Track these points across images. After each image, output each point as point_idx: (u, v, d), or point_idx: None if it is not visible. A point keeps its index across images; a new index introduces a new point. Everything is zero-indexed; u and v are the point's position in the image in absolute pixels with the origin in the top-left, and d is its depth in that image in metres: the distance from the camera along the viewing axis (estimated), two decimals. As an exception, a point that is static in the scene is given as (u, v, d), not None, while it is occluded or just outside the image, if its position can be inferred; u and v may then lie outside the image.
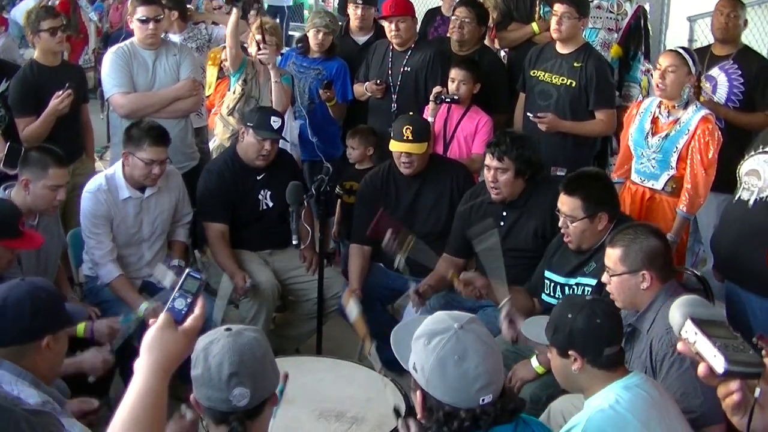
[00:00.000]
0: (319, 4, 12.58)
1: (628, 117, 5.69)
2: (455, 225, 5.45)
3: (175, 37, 7.15)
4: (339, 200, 6.42)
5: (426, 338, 2.75)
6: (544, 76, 6.22)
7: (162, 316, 2.25)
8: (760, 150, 4.72)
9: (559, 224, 4.60)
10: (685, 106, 5.33)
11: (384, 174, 5.75)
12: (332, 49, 6.88)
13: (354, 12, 7.11)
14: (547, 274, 4.78)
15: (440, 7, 7.59)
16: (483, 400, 2.70)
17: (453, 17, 6.66)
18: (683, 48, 5.68)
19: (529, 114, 6.11)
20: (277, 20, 7.65)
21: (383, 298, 5.84)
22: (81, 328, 4.45)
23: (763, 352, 1.75)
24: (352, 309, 4.32)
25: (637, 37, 7.00)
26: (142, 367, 2.18)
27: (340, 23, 7.24)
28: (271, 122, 5.58)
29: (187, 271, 2.38)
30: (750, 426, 1.73)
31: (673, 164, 5.34)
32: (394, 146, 5.54)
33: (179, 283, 2.32)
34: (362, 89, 6.75)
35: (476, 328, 2.78)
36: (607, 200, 4.58)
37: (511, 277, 5.11)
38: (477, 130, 6.17)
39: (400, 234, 5.05)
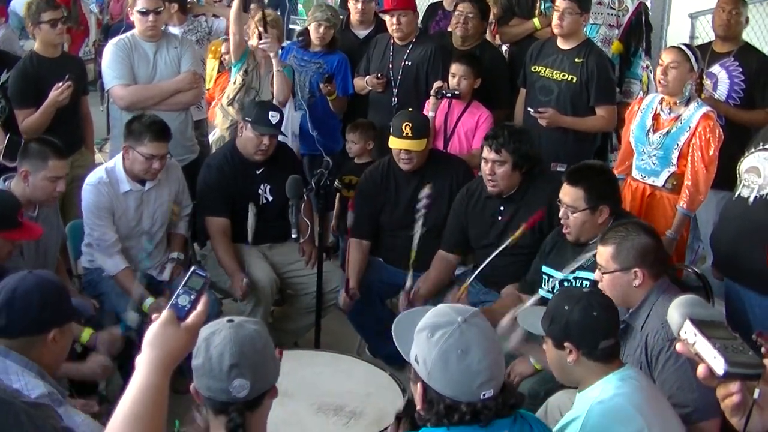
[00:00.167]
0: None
1: (629, 113, 5.68)
2: (451, 220, 5.46)
3: (174, 30, 7.13)
4: (338, 194, 6.41)
5: (429, 331, 2.75)
6: (545, 71, 6.22)
7: (165, 312, 2.25)
8: (760, 147, 4.72)
9: (560, 214, 4.60)
10: (687, 102, 5.33)
11: (384, 169, 5.74)
12: (333, 43, 6.86)
13: (355, 6, 7.09)
14: (545, 269, 4.78)
15: (442, 1, 7.57)
16: (484, 394, 2.69)
17: (456, 12, 6.65)
18: (685, 45, 5.69)
19: (529, 109, 6.11)
20: (278, 13, 7.60)
21: (382, 293, 5.84)
22: (86, 335, 4.45)
23: (763, 349, 1.75)
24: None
25: (638, 33, 6.99)
26: (143, 362, 2.18)
27: (341, 17, 7.21)
28: (269, 117, 5.57)
29: (192, 268, 2.39)
30: (746, 427, 1.73)
31: (674, 161, 5.34)
32: (394, 143, 5.53)
33: (184, 280, 2.33)
34: (363, 83, 6.73)
35: (479, 322, 2.78)
36: (609, 194, 4.58)
37: (508, 272, 5.15)
38: (478, 126, 6.16)
39: None
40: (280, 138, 5.86)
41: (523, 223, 5.12)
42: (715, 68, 6.44)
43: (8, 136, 5.46)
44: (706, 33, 7.55)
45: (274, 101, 6.29)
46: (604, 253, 3.91)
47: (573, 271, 4.60)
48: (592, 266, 4.41)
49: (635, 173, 5.57)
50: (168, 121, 5.49)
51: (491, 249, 5.25)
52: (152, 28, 6.09)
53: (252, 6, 7.03)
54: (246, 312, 5.49)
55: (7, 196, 4.58)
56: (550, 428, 3.07)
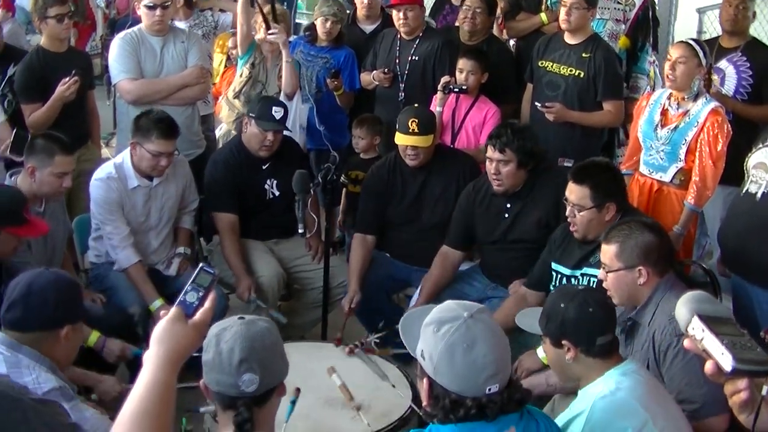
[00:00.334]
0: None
1: (637, 109, 5.68)
2: (457, 216, 5.45)
3: (181, 24, 7.12)
4: (344, 189, 6.41)
5: (435, 326, 2.76)
6: (552, 66, 6.21)
7: (173, 309, 2.27)
8: (769, 142, 4.72)
9: (566, 213, 4.59)
10: (695, 98, 5.32)
11: (390, 165, 5.73)
12: (340, 38, 6.85)
13: (361, 0, 7.08)
14: (555, 266, 4.77)
15: (449, -5, 7.57)
16: (490, 389, 2.70)
17: (464, 7, 6.64)
18: (694, 40, 5.68)
19: (537, 104, 6.10)
20: (285, 7, 7.60)
21: (388, 288, 5.84)
22: (94, 338, 4.45)
23: None
24: (336, 380, 4.38)
25: (645, 28, 6.97)
26: (151, 358, 2.19)
27: (347, 12, 7.21)
28: (273, 112, 5.55)
29: (200, 265, 2.41)
30: (755, 424, 1.73)
31: (682, 156, 5.32)
32: (400, 139, 5.52)
33: (192, 277, 2.34)
34: (369, 78, 6.73)
35: (485, 317, 2.80)
36: (615, 191, 4.57)
37: (513, 266, 5.15)
38: (485, 121, 6.16)
39: None
40: (286, 132, 5.85)
41: (530, 218, 5.12)
42: (723, 63, 6.41)
43: (15, 130, 5.47)
44: (713, 28, 7.53)
45: (282, 93, 6.30)
46: (607, 251, 3.90)
47: (581, 268, 4.61)
48: (600, 263, 4.41)
49: (643, 168, 5.56)
50: (175, 116, 5.49)
51: (497, 245, 5.27)
52: (159, 22, 6.07)
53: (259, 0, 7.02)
54: (251, 309, 5.48)
55: (12, 192, 4.58)
56: (558, 424, 3.08)
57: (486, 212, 5.28)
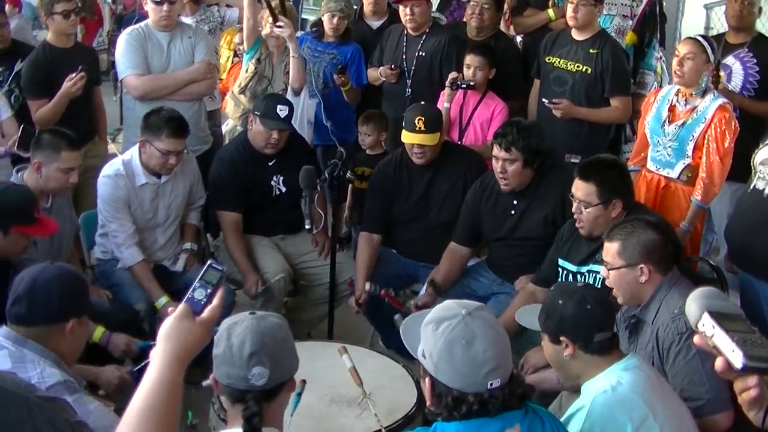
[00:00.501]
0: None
1: (645, 105, 5.67)
2: (464, 213, 5.43)
3: (187, 20, 7.10)
4: (350, 185, 6.40)
5: (434, 324, 2.79)
6: (559, 62, 6.20)
7: (181, 306, 2.27)
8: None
9: (573, 209, 4.58)
10: (703, 94, 5.31)
11: (396, 162, 5.72)
12: (347, 34, 6.84)
13: (367, -4, 7.09)
14: (561, 262, 4.77)
15: (455, -9, 7.57)
16: (491, 384, 2.72)
17: (472, 3, 6.62)
18: (702, 36, 5.67)
19: (544, 100, 6.09)
20: (291, 2, 7.59)
21: (395, 285, 5.82)
22: (98, 333, 4.45)
23: None
24: (346, 361, 4.39)
25: (652, 24, 6.95)
26: (158, 356, 2.19)
27: (354, 7, 7.20)
28: (278, 111, 5.54)
29: (209, 262, 2.41)
30: (765, 421, 1.72)
31: (689, 153, 5.32)
32: (406, 137, 5.50)
33: (200, 274, 2.35)
34: (376, 74, 6.72)
35: (484, 314, 2.82)
36: (622, 188, 4.56)
37: (519, 262, 5.14)
38: (493, 117, 6.15)
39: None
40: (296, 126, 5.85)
41: (537, 215, 5.11)
42: (729, 59, 6.40)
43: (22, 126, 5.47)
44: (721, 24, 7.50)
45: (290, 88, 6.29)
46: (610, 249, 3.90)
47: (587, 265, 4.61)
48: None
49: (650, 165, 5.55)
50: (182, 111, 5.49)
51: (504, 242, 5.26)
52: (166, 18, 6.07)
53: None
54: (257, 305, 5.48)
55: (22, 191, 4.58)
56: (563, 423, 3.08)
57: (493, 209, 5.27)
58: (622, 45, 6.57)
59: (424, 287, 5.42)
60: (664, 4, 7.20)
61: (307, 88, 6.52)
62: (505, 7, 6.94)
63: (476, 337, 2.72)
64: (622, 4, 6.88)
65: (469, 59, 6.18)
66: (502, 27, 7.06)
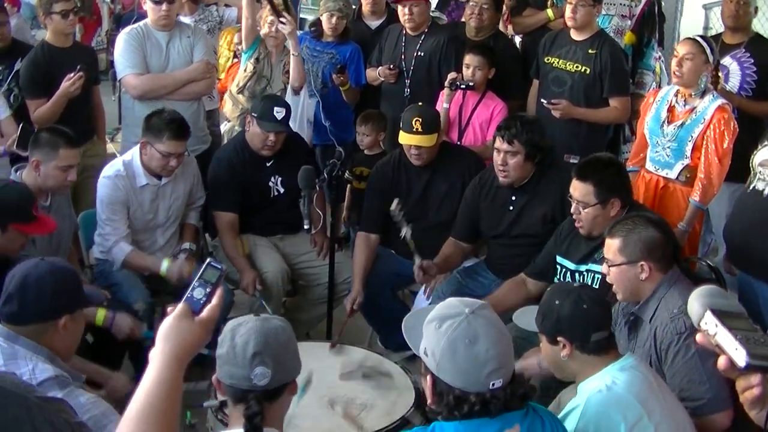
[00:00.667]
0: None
1: (644, 105, 5.67)
2: (462, 209, 5.44)
3: (186, 19, 7.09)
4: (349, 186, 6.40)
5: (437, 322, 2.78)
6: (558, 62, 6.20)
7: (180, 305, 2.25)
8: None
9: (571, 210, 4.58)
10: (702, 95, 5.31)
11: (395, 163, 5.72)
12: (346, 33, 6.84)
13: (365, -5, 7.09)
14: (560, 260, 4.77)
15: (454, -9, 7.56)
16: (493, 384, 2.72)
17: (471, 3, 6.62)
18: (701, 36, 5.67)
19: (543, 100, 6.09)
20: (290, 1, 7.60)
21: (393, 284, 5.83)
22: (101, 316, 4.44)
23: None
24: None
25: (651, 24, 6.95)
26: (157, 356, 2.18)
27: (353, 7, 7.20)
28: (275, 113, 5.53)
29: (207, 260, 2.39)
30: None
31: (688, 153, 5.32)
32: (404, 139, 5.49)
33: (199, 273, 2.33)
34: (375, 74, 6.72)
35: (487, 313, 2.82)
36: (619, 187, 4.55)
37: (518, 262, 5.13)
38: (492, 117, 6.15)
39: None
40: (291, 128, 5.83)
41: (535, 213, 5.11)
42: (726, 60, 6.39)
43: (21, 125, 5.47)
44: (720, 24, 7.49)
45: (290, 87, 6.29)
46: (611, 245, 3.90)
47: (586, 264, 4.60)
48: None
49: (649, 165, 5.55)
50: (180, 111, 5.49)
51: (502, 239, 5.26)
52: (165, 17, 6.07)
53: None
54: (256, 305, 5.48)
55: (22, 189, 4.57)
56: (563, 423, 3.08)
57: (491, 204, 5.27)
58: (620, 45, 6.57)
59: (422, 287, 5.41)
60: (663, 4, 7.20)
61: (306, 87, 6.52)
62: (504, 7, 6.94)
63: (479, 337, 2.72)
64: (620, 4, 6.88)
65: (469, 59, 6.18)
66: (501, 27, 7.07)
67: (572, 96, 6.09)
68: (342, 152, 5.47)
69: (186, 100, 6.14)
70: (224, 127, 6.89)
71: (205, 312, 2.27)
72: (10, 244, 4.31)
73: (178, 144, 5.19)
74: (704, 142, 5.26)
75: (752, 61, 6.34)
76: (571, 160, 5.83)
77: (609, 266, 3.89)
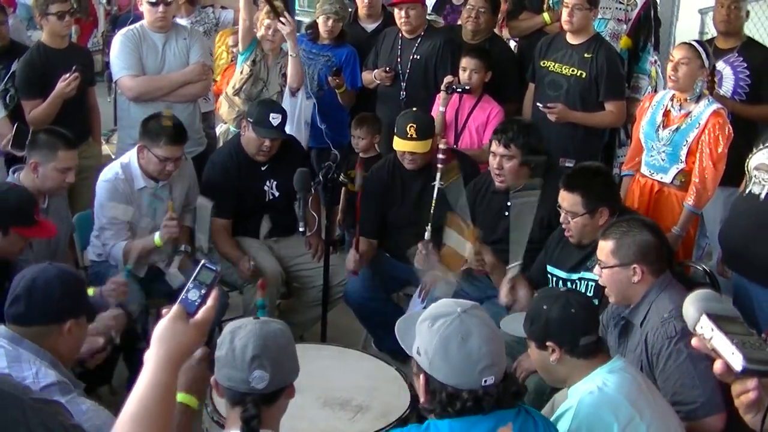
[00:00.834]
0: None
1: (640, 110, 5.67)
2: None
3: (182, 21, 7.11)
4: (343, 188, 6.40)
5: (430, 321, 2.81)
6: (554, 66, 6.21)
7: (174, 307, 2.25)
8: (771, 143, 4.72)
9: (561, 219, 4.60)
10: (697, 99, 5.31)
11: (389, 167, 5.72)
12: (342, 36, 6.85)
13: (362, -1, 7.09)
14: (550, 269, 4.78)
15: (450, -5, 7.57)
16: (485, 381, 2.74)
17: (468, 6, 6.63)
18: (697, 41, 5.67)
19: (539, 104, 6.10)
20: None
21: (388, 287, 5.83)
22: (90, 292, 4.43)
23: None
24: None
25: (647, 28, 6.96)
26: (151, 358, 2.18)
27: (349, 10, 7.20)
28: (270, 119, 5.52)
29: (202, 262, 2.37)
30: (764, 425, 1.71)
31: (683, 158, 5.32)
32: (398, 144, 5.50)
33: (194, 274, 2.31)
34: (371, 77, 6.73)
35: (480, 313, 2.85)
36: (607, 195, 4.57)
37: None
38: (489, 120, 6.15)
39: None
40: (288, 130, 5.83)
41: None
42: (719, 64, 6.36)
43: (16, 125, 5.46)
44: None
45: (288, 87, 6.29)
46: (604, 247, 3.91)
47: (578, 272, 4.61)
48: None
49: (644, 169, 5.55)
50: (176, 113, 5.48)
51: (499, 245, 5.25)
52: (162, 19, 6.07)
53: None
54: (251, 304, 5.47)
55: (23, 192, 4.55)
56: (555, 426, 3.08)
57: (487, 210, 5.27)
58: (616, 49, 6.57)
59: (418, 290, 5.40)
60: (659, 8, 7.20)
61: (303, 89, 6.52)
62: (501, 10, 6.95)
63: (472, 334, 2.74)
64: (616, 8, 6.88)
65: (465, 62, 6.19)
66: (496, 30, 7.07)
67: (568, 100, 6.10)
68: (337, 155, 5.46)
69: (182, 102, 6.13)
70: (220, 129, 6.89)
71: (200, 314, 2.26)
72: (11, 248, 4.31)
73: (175, 149, 5.19)
74: (699, 147, 5.26)
75: (745, 65, 6.33)
76: (567, 164, 5.84)
77: (602, 268, 3.91)
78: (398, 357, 4.57)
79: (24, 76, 5.98)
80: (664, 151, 5.40)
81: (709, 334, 1.73)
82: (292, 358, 2.83)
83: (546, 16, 6.95)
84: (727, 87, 6.35)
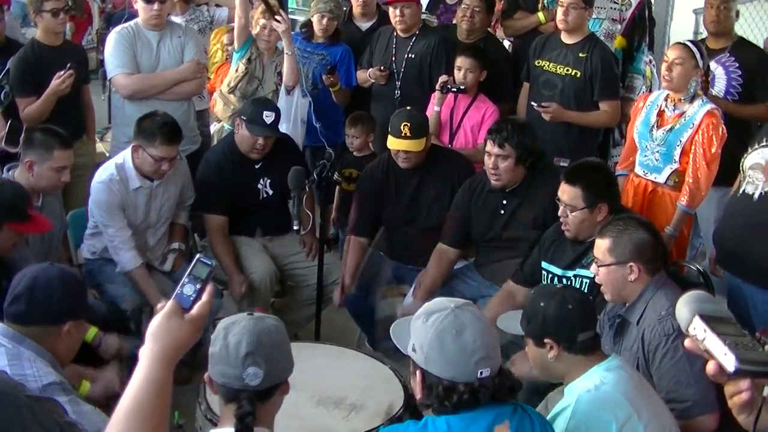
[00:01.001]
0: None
1: (635, 110, 5.68)
2: (453, 213, 5.42)
3: (177, 19, 7.08)
4: (338, 187, 6.40)
5: (424, 317, 2.85)
6: (548, 66, 6.21)
7: (169, 303, 2.23)
8: (764, 143, 4.73)
9: (559, 213, 4.60)
10: (691, 99, 5.32)
11: (384, 166, 5.71)
12: (336, 35, 6.84)
13: (356, -3, 7.09)
14: (545, 266, 4.78)
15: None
16: (481, 373, 2.77)
17: (463, 6, 6.63)
18: (691, 41, 5.68)
19: (533, 103, 6.10)
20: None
21: (383, 286, 5.82)
22: (91, 333, 4.43)
23: (767, 347, 1.74)
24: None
25: (642, 28, 6.96)
26: (146, 355, 2.17)
27: (344, 8, 7.20)
28: (264, 117, 5.52)
29: (197, 256, 2.35)
30: (756, 425, 1.72)
31: (677, 158, 5.33)
32: (392, 143, 5.49)
33: (189, 269, 2.29)
34: (366, 76, 6.72)
35: (473, 309, 2.90)
36: (607, 192, 4.57)
37: (509, 265, 5.14)
38: (484, 120, 6.15)
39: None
40: (283, 128, 5.83)
41: (527, 217, 5.11)
42: (711, 65, 6.35)
43: (10, 121, 5.45)
44: (711, 29, 7.53)
45: (283, 86, 6.28)
46: (601, 245, 3.92)
47: (573, 269, 4.62)
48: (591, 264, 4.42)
49: (638, 169, 5.56)
50: (170, 111, 5.49)
51: (493, 243, 5.26)
52: (157, 17, 6.06)
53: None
54: (244, 305, 5.47)
55: (16, 188, 4.56)
56: (553, 424, 3.09)
57: (482, 209, 5.27)
58: (611, 49, 6.57)
59: (412, 289, 5.41)
60: (653, 8, 7.21)
61: (299, 87, 6.51)
62: (496, 10, 6.95)
63: (466, 327, 2.78)
64: (611, 8, 6.88)
65: (460, 61, 6.19)
66: (490, 29, 7.07)
67: (563, 99, 6.10)
68: (332, 153, 5.48)
69: (176, 100, 6.13)
70: (214, 128, 6.88)
71: (196, 309, 2.24)
72: (4, 243, 4.31)
73: (170, 148, 5.18)
74: (693, 147, 5.27)
75: (737, 65, 6.34)
76: (561, 163, 5.84)
77: (598, 266, 3.92)
78: (392, 356, 4.58)
79: (18, 73, 5.96)
80: (658, 151, 5.41)
81: (701, 335, 1.73)
82: (287, 354, 2.83)
83: (541, 15, 6.95)
84: (719, 87, 6.36)
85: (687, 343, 1.79)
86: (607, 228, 3.95)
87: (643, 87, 6.74)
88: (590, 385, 3.26)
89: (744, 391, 1.70)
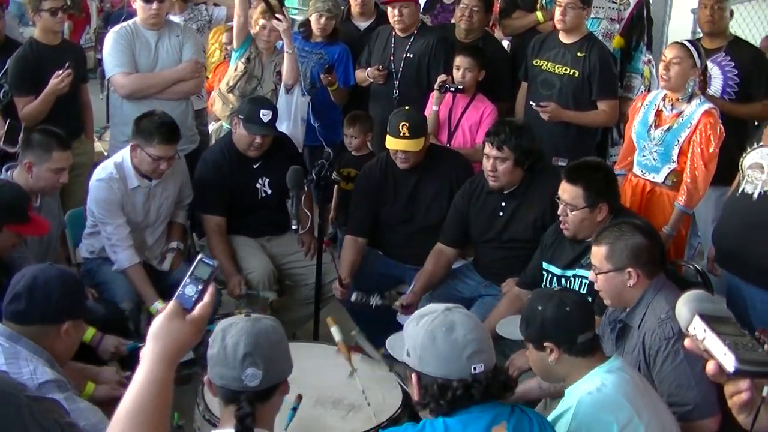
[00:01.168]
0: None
1: (633, 110, 5.68)
2: (452, 214, 5.42)
3: (175, 18, 7.08)
4: (336, 186, 6.40)
5: (415, 320, 2.90)
6: (546, 65, 6.21)
7: (171, 303, 2.24)
8: (763, 143, 4.72)
9: (558, 212, 4.60)
10: (689, 99, 5.32)
11: (382, 165, 5.71)
12: (334, 34, 6.84)
13: (354, -4, 7.08)
14: (545, 265, 4.78)
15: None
16: (475, 368, 2.79)
17: (461, 5, 6.62)
18: (689, 41, 5.67)
19: (531, 103, 6.09)
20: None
21: (381, 286, 5.81)
22: (90, 334, 4.43)
23: (766, 347, 1.74)
24: (335, 333, 4.48)
25: (640, 27, 6.95)
26: (148, 355, 2.17)
27: (342, 8, 7.19)
28: (261, 116, 5.52)
29: (199, 256, 2.35)
30: (754, 425, 1.72)
31: (674, 158, 5.33)
32: (391, 143, 5.48)
33: (190, 269, 2.29)
34: (364, 75, 6.71)
35: (463, 309, 2.95)
36: (607, 192, 4.57)
37: (507, 264, 5.14)
38: (482, 120, 6.15)
39: None
40: (283, 127, 5.82)
41: (526, 218, 5.11)
42: (707, 64, 6.39)
43: (8, 121, 5.45)
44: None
45: (283, 84, 6.28)
46: (597, 253, 3.91)
47: (573, 269, 4.61)
48: (590, 265, 4.41)
49: (636, 169, 5.56)
50: (169, 111, 5.49)
51: (492, 244, 5.26)
52: (155, 16, 6.06)
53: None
54: (242, 305, 5.47)
55: (16, 189, 4.56)
56: (551, 423, 3.09)
57: (481, 210, 5.27)
58: (609, 48, 6.57)
59: (410, 288, 5.41)
60: (651, 7, 7.21)
61: (299, 85, 6.51)
62: (494, 9, 6.95)
63: (456, 324, 2.83)
64: (609, 8, 6.88)
65: (459, 60, 6.18)
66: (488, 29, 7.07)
67: (561, 99, 6.10)
68: (330, 153, 5.47)
69: (175, 100, 6.13)
70: (212, 127, 6.87)
71: (197, 310, 2.25)
72: (3, 244, 4.31)
73: (168, 148, 5.18)
74: (690, 147, 5.27)
75: (733, 64, 6.34)
76: (559, 163, 5.83)
77: (596, 274, 3.90)
78: (389, 356, 4.58)
79: (16, 73, 5.96)
80: (655, 151, 5.41)
81: (701, 335, 1.73)
82: (285, 354, 2.83)
83: (539, 14, 6.95)
84: (715, 87, 6.36)
85: (687, 342, 1.79)
86: (603, 234, 3.93)
87: (642, 86, 6.74)
88: (591, 387, 3.26)
89: (744, 391, 1.70)
